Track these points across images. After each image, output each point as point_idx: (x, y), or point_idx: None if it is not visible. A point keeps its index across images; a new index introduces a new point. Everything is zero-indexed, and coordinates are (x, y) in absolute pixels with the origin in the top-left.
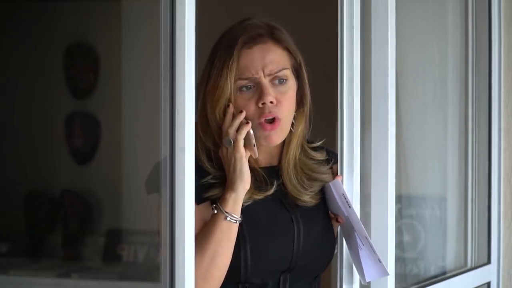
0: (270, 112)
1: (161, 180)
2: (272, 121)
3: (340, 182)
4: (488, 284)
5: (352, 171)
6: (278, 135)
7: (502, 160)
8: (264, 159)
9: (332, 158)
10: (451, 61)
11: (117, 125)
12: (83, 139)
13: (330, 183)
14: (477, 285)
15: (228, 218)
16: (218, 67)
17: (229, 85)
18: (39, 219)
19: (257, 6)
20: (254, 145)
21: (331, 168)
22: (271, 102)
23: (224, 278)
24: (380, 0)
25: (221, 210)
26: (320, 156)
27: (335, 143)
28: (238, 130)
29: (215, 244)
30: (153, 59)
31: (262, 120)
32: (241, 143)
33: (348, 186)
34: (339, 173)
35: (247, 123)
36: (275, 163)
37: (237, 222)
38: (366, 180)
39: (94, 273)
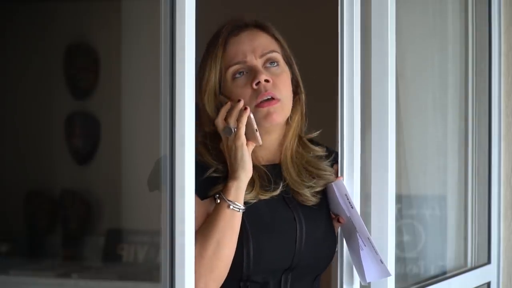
0: (266, 91)
1: (161, 178)
2: (270, 99)
3: (343, 182)
4: (488, 284)
5: (353, 171)
6: (278, 113)
7: (502, 160)
8: (266, 156)
9: (333, 154)
10: (451, 61)
11: (117, 125)
12: (83, 139)
13: (333, 183)
14: (477, 285)
15: (231, 207)
16: (205, 59)
17: (213, 74)
18: (39, 219)
19: (257, 6)
20: (256, 129)
21: (332, 167)
22: (266, 81)
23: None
24: (380, 0)
25: (224, 199)
26: (320, 151)
27: (336, 143)
28: (238, 118)
29: (219, 233)
30: (153, 59)
31: (259, 101)
32: (242, 130)
33: (348, 186)
34: (339, 174)
35: (246, 108)
36: (277, 161)
37: (240, 211)
38: (366, 180)
39: (94, 273)
